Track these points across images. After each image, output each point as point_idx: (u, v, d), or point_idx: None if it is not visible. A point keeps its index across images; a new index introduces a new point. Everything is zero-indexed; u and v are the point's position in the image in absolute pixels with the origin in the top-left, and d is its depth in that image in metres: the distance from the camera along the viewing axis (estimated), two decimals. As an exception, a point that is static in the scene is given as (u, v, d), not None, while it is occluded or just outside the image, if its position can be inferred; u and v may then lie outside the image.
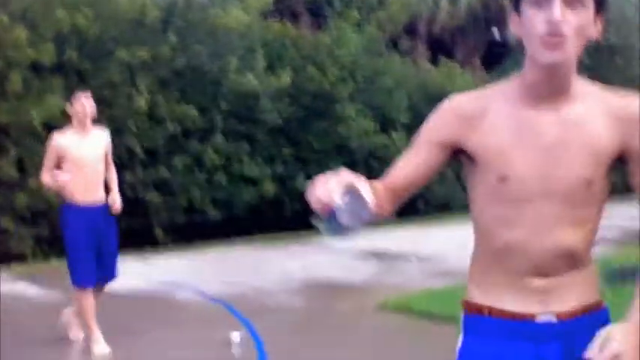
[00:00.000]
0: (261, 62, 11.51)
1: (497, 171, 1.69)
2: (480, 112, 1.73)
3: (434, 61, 16.99)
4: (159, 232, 10.43)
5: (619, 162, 1.72)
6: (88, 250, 5.23)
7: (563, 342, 1.70)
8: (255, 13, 12.12)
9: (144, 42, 10.21)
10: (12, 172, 9.05)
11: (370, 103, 12.93)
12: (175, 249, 10.04)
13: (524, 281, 1.71)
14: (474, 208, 1.79)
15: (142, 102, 9.98)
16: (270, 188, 11.38)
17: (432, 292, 7.20)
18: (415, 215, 12.16)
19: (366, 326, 6.30)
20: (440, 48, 18.47)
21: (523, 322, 1.71)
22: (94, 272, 5.27)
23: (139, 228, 9.61)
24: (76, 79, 9.68)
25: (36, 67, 9.34)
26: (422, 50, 18.44)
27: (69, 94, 9.42)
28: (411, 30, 18.08)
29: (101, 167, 5.40)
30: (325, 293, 7.69)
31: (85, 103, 5.31)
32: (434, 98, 15.86)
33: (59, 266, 8.75)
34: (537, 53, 1.63)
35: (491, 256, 1.76)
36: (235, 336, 5.46)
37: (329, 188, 1.47)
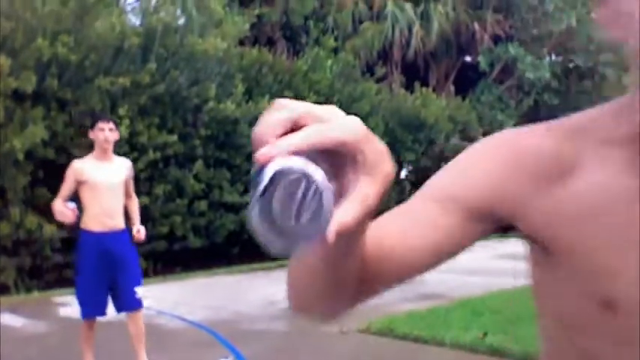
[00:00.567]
0: (239, 88, 11.64)
1: (598, 289, 0.88)
2: (569, 169, 0.89)
3: (408, 86, 17.24)
4: (140, 260, 10.39)
5: None
6: (97, 280, 5.11)
7: None
8: (232, 39, 12.27)
9: (124, 69, 10.29)
10: (-7, 202, 9.03)
11: (347, 128, 13.06)
12: (157, 276, 10.03)
13: None
14: (543, 320, 0.99)
15: (122, 129, 10.00)
16: (250, 215, 11.43)
17: (415, 315, 7.26)
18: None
19: (350, 349, 6.36)
20: (414, 74, 18.75)
21: None
22: (104, 303, 5.17)
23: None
24: (56, 107, 9.71)
25: (17, 96, 9.36)
26: (396, 76, 18.71)
27: (50, 123, 9.48)
28: (385, 56, 18.36)
29: (119, 195, 5.28)
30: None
31: (105, 130, 5.20)
32: (409, 124, 16.08)
33: (41, 298, 8.73)
34: None
35: None
36: (223, 362, 5.51)
37: (274, 131, 0.67)
